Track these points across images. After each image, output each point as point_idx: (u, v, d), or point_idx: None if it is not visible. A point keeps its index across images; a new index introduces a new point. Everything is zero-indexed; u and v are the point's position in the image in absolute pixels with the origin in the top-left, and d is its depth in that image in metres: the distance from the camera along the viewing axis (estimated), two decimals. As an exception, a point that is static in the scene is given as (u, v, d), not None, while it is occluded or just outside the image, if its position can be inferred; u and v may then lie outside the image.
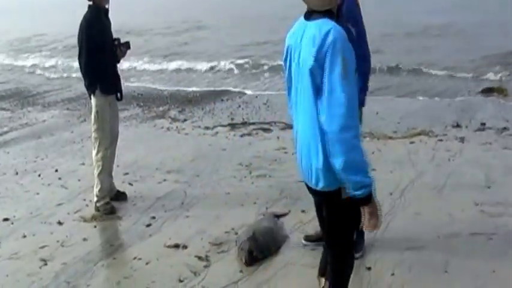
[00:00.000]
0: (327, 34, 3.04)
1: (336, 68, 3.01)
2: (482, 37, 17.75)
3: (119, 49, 6.26)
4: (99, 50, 6.02)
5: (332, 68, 3.02)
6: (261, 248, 5.09)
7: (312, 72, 3.08)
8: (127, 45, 6.32)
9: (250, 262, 4.99)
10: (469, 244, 5.01)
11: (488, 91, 11.54)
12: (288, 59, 3.39)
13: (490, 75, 13.33)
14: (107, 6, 6.15)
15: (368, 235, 4.94)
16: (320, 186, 3.28)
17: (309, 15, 3.23)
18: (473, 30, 19.05)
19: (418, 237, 5.16)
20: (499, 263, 4.67)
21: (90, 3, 6.08)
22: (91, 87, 6.15)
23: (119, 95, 6.38)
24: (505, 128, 8.51)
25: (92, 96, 6.19)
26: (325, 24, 3.11)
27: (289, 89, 3.47)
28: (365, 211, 3.21)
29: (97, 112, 6.20)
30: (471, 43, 17.11)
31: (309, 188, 3.46)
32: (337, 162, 3.07)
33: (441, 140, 8.00)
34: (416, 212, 5.66)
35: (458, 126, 8.79)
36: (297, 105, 3.33)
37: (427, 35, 19.66)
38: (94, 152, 6.34)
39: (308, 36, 3.14)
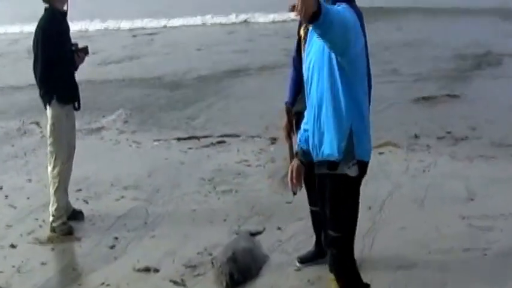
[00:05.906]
0: None
1: None
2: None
3: (76, 55, 5.81)
4: (56, 57, 5.57)
5: None
6: (242, 270, 4.73)
7: None
8: (85, 50, 5.88)
9: (232, 286, 4.62)
10: (464, 260, 4.80)
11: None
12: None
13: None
14: (65, 9, 5.69)
15: (355, 255, 4.63)
16: None
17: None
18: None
19: (408, 254, 4.91)
20: (500, 280, 4.48)
21: (47, 6, 5.62)
22: (47, 97, 5.67)
23: (76, 104, 5.91)
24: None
25: (48, 107, 5.69)
26: None
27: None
28: None
29: (53, 124, 5.70)
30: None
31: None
32: None
33: (413, 150, 7.61)
34: (401, 227, 5.39)
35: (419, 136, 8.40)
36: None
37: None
38: (50, 168, 5.81)
39: None
